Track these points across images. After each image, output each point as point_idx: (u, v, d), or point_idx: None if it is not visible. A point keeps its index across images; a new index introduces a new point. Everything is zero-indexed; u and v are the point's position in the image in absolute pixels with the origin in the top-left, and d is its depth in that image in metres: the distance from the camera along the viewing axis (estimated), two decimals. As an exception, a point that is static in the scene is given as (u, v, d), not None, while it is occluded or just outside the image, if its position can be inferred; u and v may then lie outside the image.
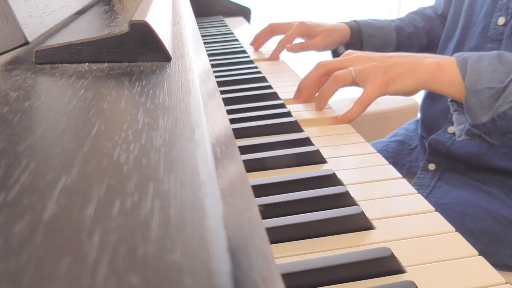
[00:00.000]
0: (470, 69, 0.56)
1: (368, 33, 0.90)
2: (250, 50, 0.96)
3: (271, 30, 0.95)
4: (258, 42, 0.97)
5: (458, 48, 0.78)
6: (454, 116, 0.60)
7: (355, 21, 0.91)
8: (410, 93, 0.60)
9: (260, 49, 0.98)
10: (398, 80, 0.58)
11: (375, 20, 0.93)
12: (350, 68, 0.59)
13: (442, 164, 0.75)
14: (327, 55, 0.95)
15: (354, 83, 0.60)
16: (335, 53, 0.95)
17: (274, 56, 0.91)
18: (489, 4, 0.71)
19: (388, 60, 0.59)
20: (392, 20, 0.93)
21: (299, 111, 0.63)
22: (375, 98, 0.59)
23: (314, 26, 0.88)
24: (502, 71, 0.55)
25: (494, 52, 0.58)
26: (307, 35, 0.90)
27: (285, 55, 0.93)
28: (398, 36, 0.90)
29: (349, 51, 0.65)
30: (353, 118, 0.60)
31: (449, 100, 0.61)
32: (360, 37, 0.90)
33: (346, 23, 0.91)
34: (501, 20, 0.69)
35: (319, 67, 0.63)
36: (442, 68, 0.58)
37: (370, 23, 0.91)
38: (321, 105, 0.62)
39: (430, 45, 0.92)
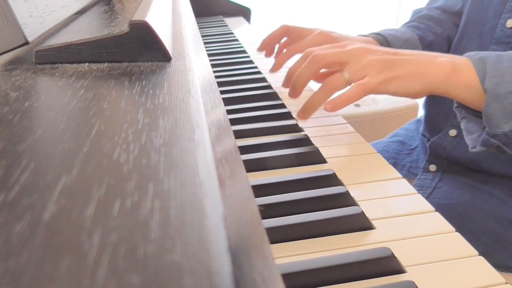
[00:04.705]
0: (490, 70, 0.49)
1: (397, 47, 0.79)
2: (250, 50, 0.96)
3: (284, 32, 0.77)
4: (266, 47, 0.79)
5: (456, 47, 0.76)
6: (463, 125, 0.54)
7: (379, 34, 0.80)
8: (414, 96, 0.53)
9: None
10: (402, 80, 0.51)
11: (396, 31, 0.83)
12: (344, 72, 0.53)
13: (443, 166, 0.75)
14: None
15: (349, 84, 0.53)
16: None
17: (277, 66, 0.73)
18: (497, 4, 0.68)
19: (393, 56, 0.52)
20: (411, 29, 0.85)
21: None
22: (374, 89, 0.52)
23: (338, 37, 0.69)
24: None
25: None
26: None
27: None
28: (422, 46, 0.82)
29: (348, 37, 0.55)
30: (346, 103, 0.52)
31: (455, 105, 0.55)
32: None
33: (371, 36, 0.79)
34: (509, 23, 0.65)
35: (314, 61, 0.54)
36: (457, 69, 0.51)
37: (396, 36, 0.81)
38: (306, 115, 0.55)
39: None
